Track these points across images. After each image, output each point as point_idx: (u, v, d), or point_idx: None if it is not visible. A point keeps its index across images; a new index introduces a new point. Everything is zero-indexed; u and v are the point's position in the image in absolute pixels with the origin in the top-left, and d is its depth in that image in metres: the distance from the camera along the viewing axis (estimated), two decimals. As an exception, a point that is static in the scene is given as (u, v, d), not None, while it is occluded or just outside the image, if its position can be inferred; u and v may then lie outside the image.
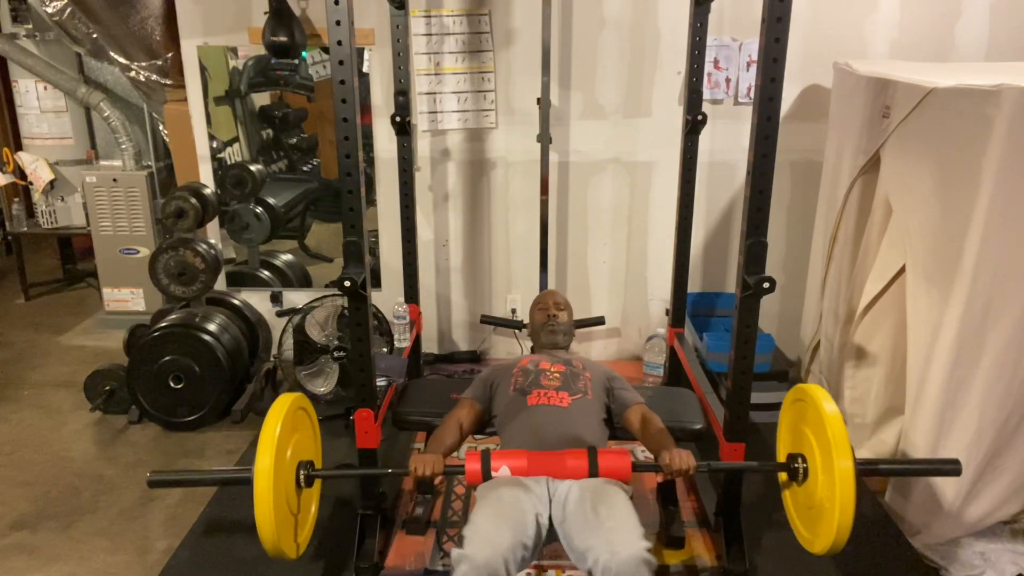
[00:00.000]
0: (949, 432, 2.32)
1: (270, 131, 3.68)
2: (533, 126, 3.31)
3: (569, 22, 3.34)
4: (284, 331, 3.37)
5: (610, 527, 1.75)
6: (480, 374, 2.43)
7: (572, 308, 2.65)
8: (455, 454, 2.24)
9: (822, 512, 1.86)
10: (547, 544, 1.91)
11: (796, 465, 1.97)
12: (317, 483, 2.15)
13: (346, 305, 2.46)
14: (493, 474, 1.95)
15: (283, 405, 2.00)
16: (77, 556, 2.42)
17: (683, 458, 1.93)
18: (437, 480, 1.98)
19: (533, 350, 2.57)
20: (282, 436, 1.92)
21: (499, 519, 1.79)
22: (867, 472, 1.88)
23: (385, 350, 3.23)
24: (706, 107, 3.04)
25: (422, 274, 3.44)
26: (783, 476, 2.06)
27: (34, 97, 4.29)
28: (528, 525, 1.81)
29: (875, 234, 2.68)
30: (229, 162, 3.62)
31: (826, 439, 1.83)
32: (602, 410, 2.25)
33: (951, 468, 1.95)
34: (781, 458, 2.12)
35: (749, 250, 2.04)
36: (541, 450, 2.02)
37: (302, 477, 2.02)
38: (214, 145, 3.57)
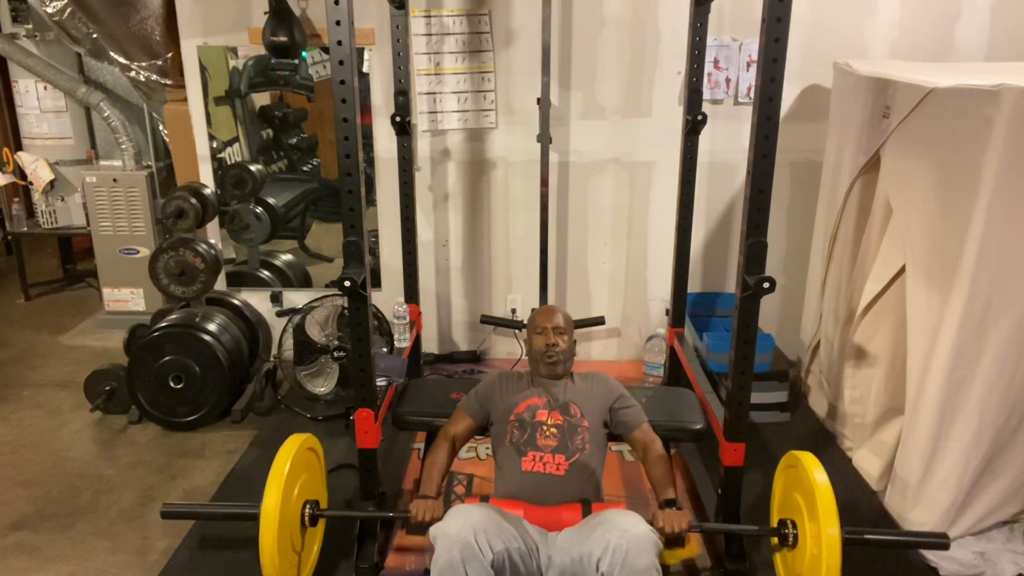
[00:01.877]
0: (949, 432, 2.32)
1: (270, 131, 3.68)
2: (533, 126, 3.31)
3: (569, 22, 3.34)
4: (284, 331, 3.37)
5: (612, 518, 1.80)
6: (476, 388, 2.38)
7: (572, 323, 2.40)
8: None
9: None
10: None
11: (786, 531, 2.03)
12: (321, 522, 2.22)
13: (346, 305, 2.46)
14: None
15: (293, 445, 2.05)
16: (77, 556, 2.42)
17: (676, 519, 1.95)
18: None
19: (531, 375, 2.37)
20: (290, 476, 1.98)
21: (480, 509, 1.86)
22: (854, 542, 1.91)
23: (385, 350, 3.23)
24: (706, 107, 3.04)
25: (422, 274, 3.44)
26: (774, 540, 2.12)
27: (34, 97, 4.29)
28: (508, 536, 1.84)
29: (875, 234, 2.68)
30: (229, 162, 3.62)
31: (815, 508, 1.89)
32: (601, 454, 2.23)
33: (938, 542, 1.99)
34: (773, 522, 2.18)
35: (749, 250, 2.04)
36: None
37: (307, 516, 2.08)
38: (214, 145, 3.57)
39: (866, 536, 1.96)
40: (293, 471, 2.00)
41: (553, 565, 1.90)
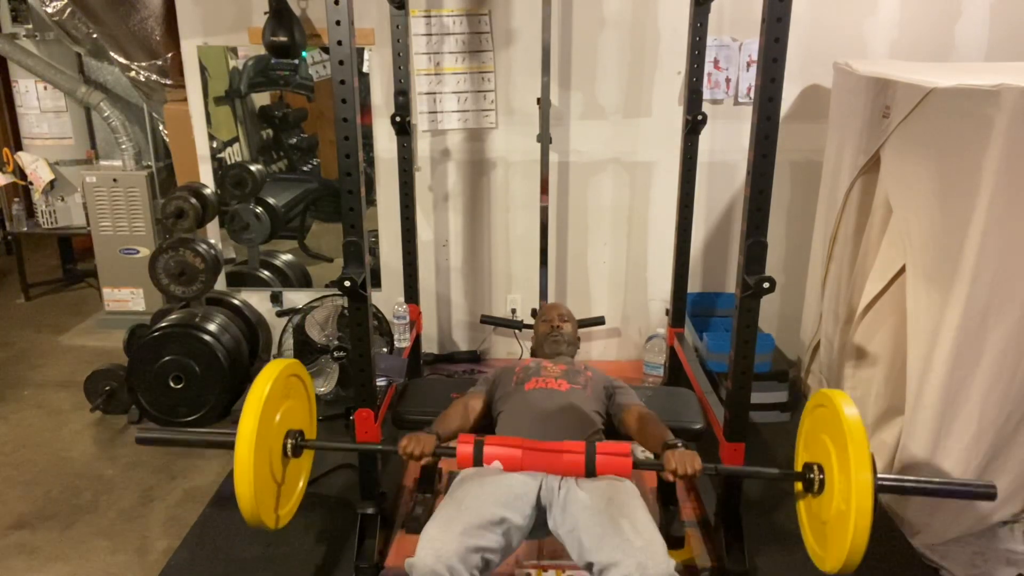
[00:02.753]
0: (949, 432, 2.32)
1: (270, 131, 3.68)
2: (533, 126, 3.31)
3: (569, 22, 3.34)
4: (284, 331, 3.37)
5: (639, 546, 1.67)
6: (485, 374, 2.44)
7: (575, 320, 2.67)
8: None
9: (836, 528, 1.75)
10: (536, 538, 1.89)
11: (812, 476, 1.86)
12: (307, 455, 2.09)
13: (346, 305, 2.46)
14: (484, 464, 1.93)
15: (274, 369, 1.93)
16: (77, 556, 2.42)
17: (688, 459, 1.84)
18: (425, 459, 1.95)
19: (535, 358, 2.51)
20: (270, 401, 1.85)
21: (450, 524, 1.74)
22: (890, 489, 1.79)
23: (385, 350, 3.23)
24: (706, 107, 3.04)
25: (422, 274, 3.44)
26: (798, 486, 1.95)
27: (34, 97, 4.29)
28: (488, 528, 1.75)
29: (875, 234, 2.68)
30: (229, 162, 3.62)
31: (845, 449, 1.72)
32: (600, 406, 2.23)
33: (986, 492, 1.80)
34: (798, 467, 1.99)
35: (749, 250, 2.04)
36: (535, 426, 2.03)
37: (289, 446, 1.96)
38: (214, 145, 3.57)
39: (904, 483, 1.83)
40: (273, 396, 1.86)
41: (563, 526, 1.82)
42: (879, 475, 1.70)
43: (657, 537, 1.73)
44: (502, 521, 1.77)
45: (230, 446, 1.80)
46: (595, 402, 2.22)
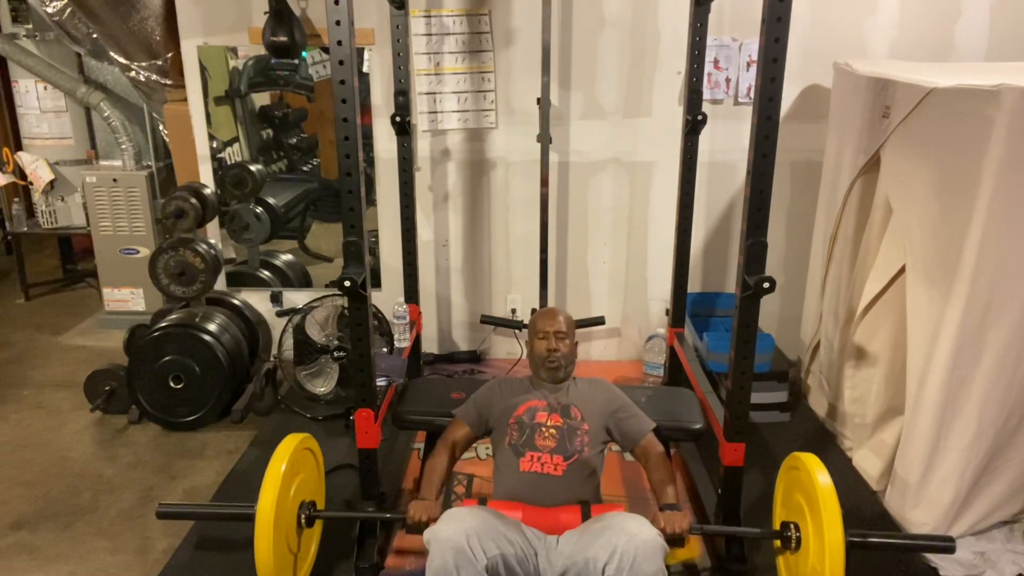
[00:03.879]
0: (949, 432, 2.32)
1: (270, 131, 3.68)
2: (533, 126, 3.30)
3: (569, 22, 3.34)
4: (284, 331, 3.37)
5: (618, 522, 1.78)
6: (475, 395, 2.37)
7: (574, 326, 2.39)
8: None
9: None
10: None
11: (789, 534, 2.00)
12: (318, 523, 2.21)
13: (346, 305, 2.46)
14: None
15: (289, 445, 2.04)
16: (77, 556, 2.42)
17: (677, 520, 1.94)
18: (432, 524, 2.02)
19: (531, 379, 2.36)
20: (286, 476, 1.97)
21: (474, 513, 1.86)
22: (858, 544, 1.89)
23: (385, 350, 3.23)
24: (706, 107, 3.04)
25: (422, 274, 3.44)
26: (777, 543, 2.09)
27: (34, 97, 4.29)
28: (502, 540, 1.83)
29: (875, 234, 2.68)
30: (229, 162, 3.62)
31: (818, 510, 1.86)
32: (600, 446, 2.23)
33: (943, 546, 1.96)
34: (776, 525, 2.16)
35: (749, 250, 2.04)
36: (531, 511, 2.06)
37: (303, 518, 2.07)
38: (214, 145, 3.57)
39: (870, 539, 1.94)
40: (289, 471, 2.00)
41: (553, 568, 1.88)
42: (849, 533, 1.83)
43: (639, 517, 1.85)
44: (511, 543, 1.84)
45: (250, 519, 1.91)
46: (595, 455, 2.19)
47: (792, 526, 2.01)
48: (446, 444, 2.26)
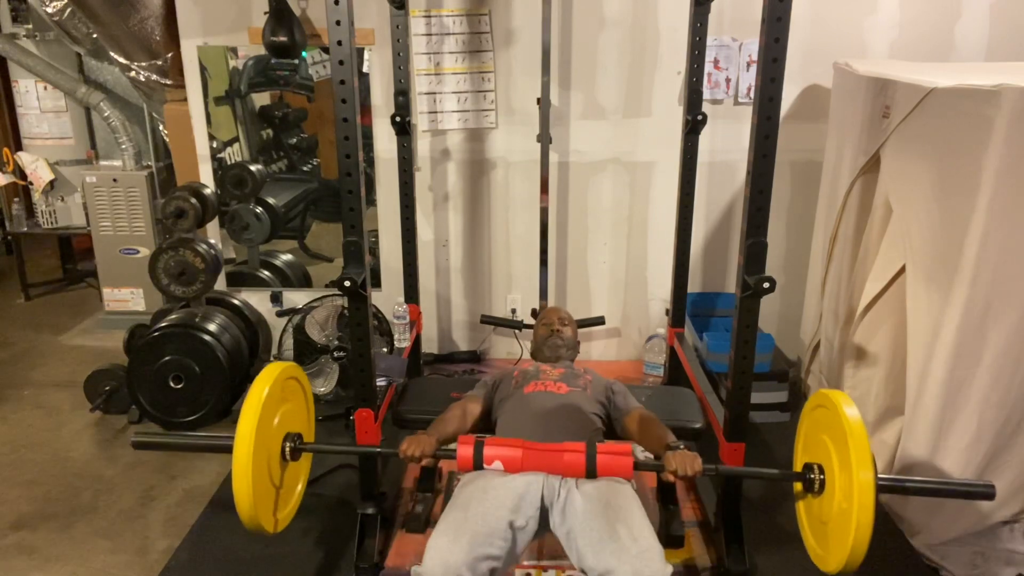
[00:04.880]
0: (949, 432, 2.32)
1: (270, 131, 3.68)
2: (533, 126, 3.31)
3: (569, 22, 3.34)
4: (284, 331, 3.37)
5: (635, 553, 1.67)
6: (483, 377, 2.43)
7: (575, 324, 2.66)
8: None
9: (838, 528, 1.75)
10: (537, 538, 1.88)
11: (812, 476, 1.86)
12: (306, 458, 2.09)
13: (346, 305, 2.46)
14: (485, 466, 1.92)
15: (272, 372, 1.92)
16: (77, 556, 2.42)
17: (689, 460, 1.85)
18: (425, 461, 1.95)
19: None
20: (268, 403, 1.84)
21: (458, 532, 1.74)
22: (891, 488, 1.79)
23: (385, 350, 3.23)
24: (706, 107, 3.04)
25: (422, 274, 3.44)
26: (798, 486, 1.95)
27: (34, 97, 4.29)
28: (496, 535, 1.75)
29: (875, 234, 2.68)
30: (229, 162, 3.62)
31: (846, 449, 1.71)
32: (600, 408, 2.22)
33: (985, 491, 1.80)
34: (797, 467, 1.99)
35: (749, 250, 2.04)
36: (536, 427, 2.02)
37: (288, 449, 1.95)
38: (214, 145, 3.57)
39: (904, 483, 1.83)
40: (272, 400, 1.86)
41: (565, 525, 1.82)
42: (880, 475, 1.70)
43: (654, 542, 1.73)
44: (509, 526, 1.78)
45: (228, 450, 1.79)
46: (595, 404, 2.21)
47: (816, 467, 1.86)
48: (460, 406, 2.23)
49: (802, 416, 2.04)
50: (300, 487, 2.10)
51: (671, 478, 1.86)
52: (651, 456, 2.08)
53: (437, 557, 1.69)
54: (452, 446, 1.98)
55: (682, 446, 1.93)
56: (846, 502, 1.71)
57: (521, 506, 1.83)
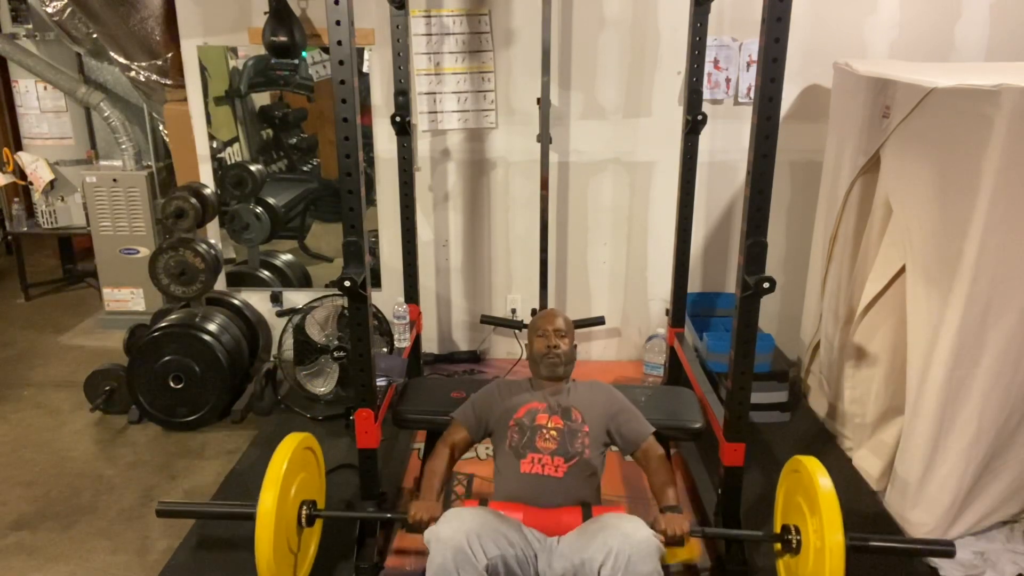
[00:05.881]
0: (949, 432, 2.32)
1: (270, 131, 3.68)
2: (533, 126, 3.30)
3: (569, 22, 3.34)
4: (284, 331, 3.37)
5: (614, 523, 1.79)
6: (474, 397, 2.35)
7: (573, 328, 2.44)
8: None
9: None
10: None
11: (790, 537, 2.01)
12: (318, 522, 2.21)
13: (346, 305, 2.46)
14: None
15: (290, 445, 2.04)
16: (77, 556, 2.42)
17: (676, 523, 1.94)
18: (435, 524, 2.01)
19: (532, 379, 2.38)
20: (287, 475, 1.97)
21: (475, 513, 1.86)
22: (859, 548, 1.90)
23: (385, 350, 3.23)
24: (706, 107, 3.04)
25: (422, 274, 3.44)
26: (777, 546, 2.09)
27: (34, 97, 4.29)
28: (505, 532, 1.84)
29: (875, 234, 2.68)
30: (229, 162, 3.62)
31: (819, 513, 1.86)
32: (601, 447, 2.22)
33: (944, 550, 1.98)
34: (777, 528, 2.17)
35: (749, 250, 2.04)
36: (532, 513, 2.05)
37: (303, 516, 2.07)
38: (214, 145, 3.57)
39: (870, 543, 1.94)
40: (290, 470, 2.00)
41: (552, 571, 1.88)
42: (850, 536, 1.84)
43: (635, 519, 1.85)
44: (511, 544, 1.84)
45: (251, 518, 1.91)
46: (595, 456, 2.18)
47: (793, 529, 2.02)
48: (445, 445, 2.25)
49: (780, 478, 2.20)
50: (313, 550, 2.23)
51: (661, 538, 1.91)
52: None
53: (454, 520, 1.80)
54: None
55: (679, 510, 2.02)
56: (820, 565, 1.85)
57: (527, 544, 1.91)
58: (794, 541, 2.00)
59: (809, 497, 1.95)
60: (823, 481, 1.91)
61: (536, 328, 2.38)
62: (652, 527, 1.89)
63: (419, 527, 1.97)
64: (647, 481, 2.21)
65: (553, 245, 3.53)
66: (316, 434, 2.26)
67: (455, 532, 1.77)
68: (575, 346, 2.39)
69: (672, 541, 1.91)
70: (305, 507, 2.09)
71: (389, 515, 2.26)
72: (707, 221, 3.59)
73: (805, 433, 3.11)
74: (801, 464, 2.02)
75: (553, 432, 2.16)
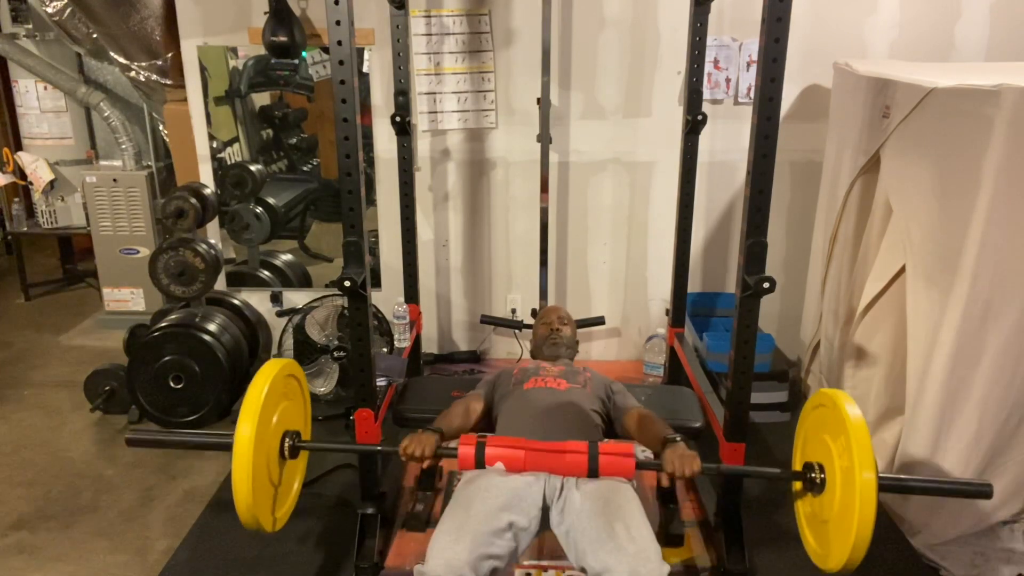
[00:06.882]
0: (949, 432, 2.32)
1: (270, 131, 3.68)
2: (533, 126, 3.31)
3: (569, 22, 3.34)
4: (284, 331, 3.37)
5: (632, 552, 1.68)
6: (484, 376, 2.44)
7: (575, 323, 2.69)
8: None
9: (839, 526, 1.74)
10: (537, 536, 1.89)
11: (812, 474, 1.85)
12: (303, 456, 2.08)
13: (346, 305, 2.46)
14: (487, 466, 1.92)
15: (271, 370, 1.91)
16: (77, 556, 2.42)
17: (687, 461, 1.84)
18: (427, 463, 1.94)
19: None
20: (268, 402, 1.84)
21: (460, 532, 1.74)
22: (891, 488, 1.78)
23: (385, 350, 3.23)
24: (706, 107, 3.04)
25: (422, 274, 3.44)
26: (797, 485, 1.95)
27: (34, 97, 4.29)
28: (498, 534, 1.76)
29: (875, 234, 2.68)
30: (229, 162, 3.62)
31: (848, 447, 1.71)
32: (599, 405, 2.23)
33: (982, 491, 1.81)
34: (797, 466, 1.99)
35: (749, 250, 2.04)
36: (536, 424, 2.03)
37: (286, 447, 1.95)
38: (214, 145, 3.57)
39: (907, 483, 1.83)
40: (271, 398, 1.85)
41: (563, 522, 1.83)
42: (880, 474, 1.70)
43: (652, 543, 1.73)
44: (510, 526, 1.79)
45: (227, 447, 1.79)
46: (595, 401, 2.22)
47: (816, 466, 1.85)
48: (463, 403, 2.23)
49: (802, 416, 2.04)
50: (297, 485, 2.10)
51: (666, 482, 1.87)
52: (651, 455, 2.08)
53: (440, 556, 1.69)
54: (453, 445, 1.98)
55: (679, 439, 1.94)
56: (848, 500, 1.70)
57: (522, 506, 1.83)
58: (818, 479, 1.83)
59: (835, 431, 1.79)
60: (852, 411, 1.73)
61: (540, 318, 2.60)
62: (660, 469, 1.86)
63: (411, 459, 1.91)
64: (642, 441, 2.13)
65: (553, 245, 3.53)
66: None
67: (445, 573, 1.67)
68: (577, 341, 2.52)
69: (671, 540, 1.89)
70: (288, 438, 1.95)
71: (379, 447, 2.16)
72: (707, 221, 3.59)
73: (805, 433, 3.10)
74: (827, 397, 1.86)
75: (555, 371, 2.31)
